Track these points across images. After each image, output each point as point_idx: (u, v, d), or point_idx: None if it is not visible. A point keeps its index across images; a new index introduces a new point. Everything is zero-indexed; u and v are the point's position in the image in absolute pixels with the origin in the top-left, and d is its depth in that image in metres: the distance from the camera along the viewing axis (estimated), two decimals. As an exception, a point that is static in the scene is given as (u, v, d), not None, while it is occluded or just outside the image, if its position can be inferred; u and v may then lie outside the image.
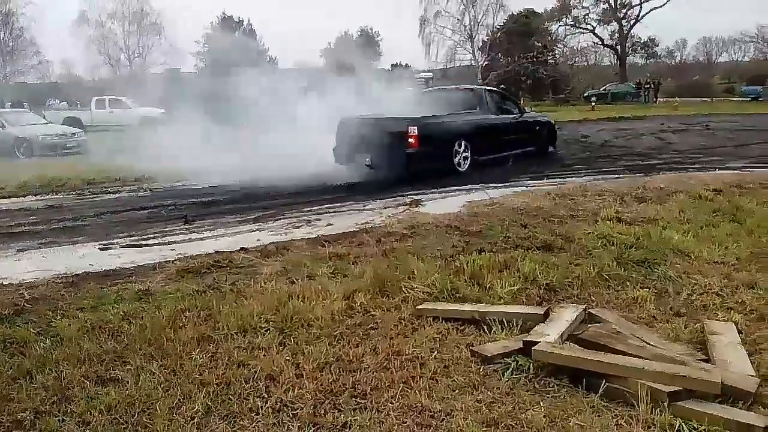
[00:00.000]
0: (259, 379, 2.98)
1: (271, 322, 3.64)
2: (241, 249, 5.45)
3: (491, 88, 13.83)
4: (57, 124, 22.13)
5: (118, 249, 5.91)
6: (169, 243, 6.05)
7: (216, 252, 5.37)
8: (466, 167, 10.42)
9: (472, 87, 13.70)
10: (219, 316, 3.74)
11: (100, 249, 5.92)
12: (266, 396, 2.84)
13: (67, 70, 42.71)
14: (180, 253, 5.49)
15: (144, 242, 6.14)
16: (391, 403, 2.76)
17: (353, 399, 2.80)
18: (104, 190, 10.23)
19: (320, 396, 2.82)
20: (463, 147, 10.40)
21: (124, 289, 4.45)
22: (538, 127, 13.02)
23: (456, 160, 10.36)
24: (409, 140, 9.59)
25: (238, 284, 4.41)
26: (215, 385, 2.94)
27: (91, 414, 2.74)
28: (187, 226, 6.84)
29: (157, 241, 6.16)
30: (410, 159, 9.68)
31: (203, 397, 2.84)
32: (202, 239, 6.19)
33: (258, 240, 5.94)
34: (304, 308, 3.80)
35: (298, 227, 6.62)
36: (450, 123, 10.41)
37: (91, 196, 9.65)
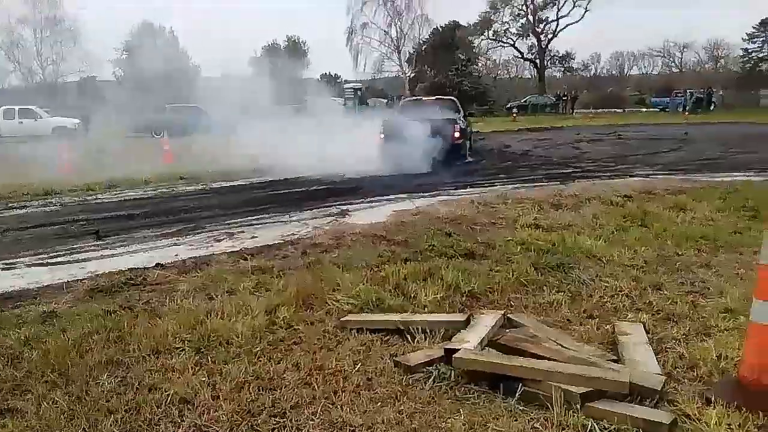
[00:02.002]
0: (172, 402, 2.84)
1: (186, 342, 3.48)
2: (157, 265, 5.21)
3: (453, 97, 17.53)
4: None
5: (23, 268, 5.53)
6: (79, 261, 5.71)
7: (129, 269, 5.11)
8: (468, 156, 14.06)
9: (451, 98, 17.16)
10: (130, 338, 3.55)
11: (3, 269, 5.51)
12: (179, 420, 2.70)
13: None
14: (90, 272, 5.20)
15: (51, 260, 5.77)
16: (312, 420, 2.70)
17: (272, 418, 2.71)
18: (9, 205, 9.53)
19: (237, 417, 2.71)
20: (466, 141, 14.08)
21: (27, 311, 4.16)
22: (471, 128, 16.60)
23: (466, 150, 14.05)
24: (455, 134, 13.11)
25: (152, 303, 4.21)
26: (124, 412, 2.77)
27: (-16, 450, 2.52)
28: (99, 242, 6.48)
29: (65, 259, 5.80)
30: (455, 147, 13.07)
31: (110, 425, 2.67)
32: (115, 256, 5.88)
33: (176, 255, 5.72)
34: (222, 326, 3.67)
35: (220, 240, 6.42)
36: (463, 123, 14.09)
37: (-5, 212, 8.98)
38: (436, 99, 16.90)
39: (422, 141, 12.23)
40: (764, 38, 56.78)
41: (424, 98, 17.28)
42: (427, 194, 9.26)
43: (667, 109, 44.45)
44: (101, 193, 10.41)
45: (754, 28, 56.82)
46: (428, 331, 3.55)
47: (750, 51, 57.40)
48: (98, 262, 5.60)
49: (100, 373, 3.15)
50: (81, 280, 4.91)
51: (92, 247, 6.27)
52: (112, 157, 14.05)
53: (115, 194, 10.28)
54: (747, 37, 57.04)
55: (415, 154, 12.07)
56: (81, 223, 7.70)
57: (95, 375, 3.13)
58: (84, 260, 5.73)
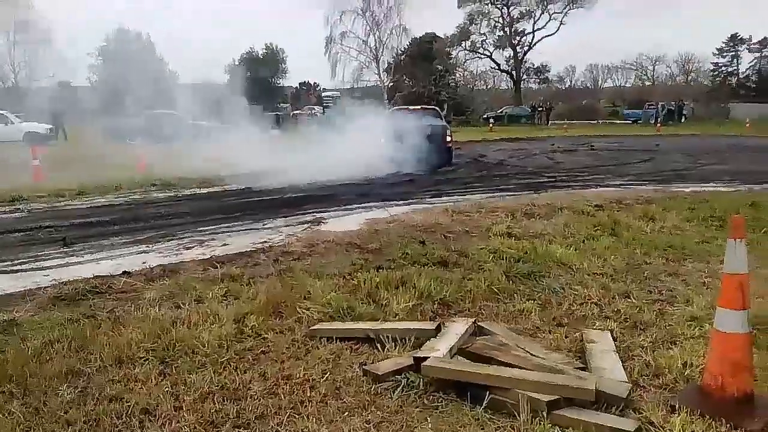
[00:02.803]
0: (133, 414, 2.76)
1: (151, 351, 3.40)
2: (124, 273, 5.10)
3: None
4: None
5: (-16, 276, 5.36)
6: (43, 268, 5.56)
7: (95, 277, 4.98)
8: (453, 158, 15.59)
9: (434, 107, 19.20)
10: (92, 347, 3.45)
11: (-37, 277, 5.33)
12: (140, 432, 2.63)
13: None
14: (54, 279, 5.05)
15: (15, 268, 5.60)
16: (277, 430, 2.65)
17: (236, 429, 2.66)
18: (-26, 211, 9.28)
19: (200, 428, 2.64)
20: (452, 144, 15.69)
21: (-14, 320, 4.02)
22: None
23: (453, 154, 15.71)
24: (446, 138, 14.99)
25: (116, 311, 4.11)
26: (82, 423, 2.69)
27: (-68, 465, 2.42)
28: (65, 250, 6.31)
29: (30, 267, 5.63)
30: (447, 150, 14.87)
31: (68, 437, 2.59)
32: (81, 263, 5.73)
33: (144, 263, 5.60)
34: (189, 335, 3.59)
35: (190, 248, 6.32)
36: (449, 128, 16.03)
37: (-42, 219, 8.71)
38: (421, 108, 17.93)
39: (419, 144, 13.45)
40: (733, 53, 58.55)
41: (410, 107, 18.12)
42: (401, 202, 9.26)
43: (639, 121, 45.28)
44: (71, 200, 10.18)
45: (723, 43, 58.65)
46: (399, 339, 3.52)
47: (719, 65, 59.17)
48: (63, 270, 5.45)
49: (60, 384, 3.06)
50: (44, 288, 4.77)
51: (58, 255, 6.12)
52: (83, 162, 13.78)
53: (85, 201, 10.07)
54: (717, 52, 58.80)
55: (413, 156, 13.12)
56: (48, 229, 7.50)
57: (54, 385, 3.04)
58: (49, 268, 5.57)
